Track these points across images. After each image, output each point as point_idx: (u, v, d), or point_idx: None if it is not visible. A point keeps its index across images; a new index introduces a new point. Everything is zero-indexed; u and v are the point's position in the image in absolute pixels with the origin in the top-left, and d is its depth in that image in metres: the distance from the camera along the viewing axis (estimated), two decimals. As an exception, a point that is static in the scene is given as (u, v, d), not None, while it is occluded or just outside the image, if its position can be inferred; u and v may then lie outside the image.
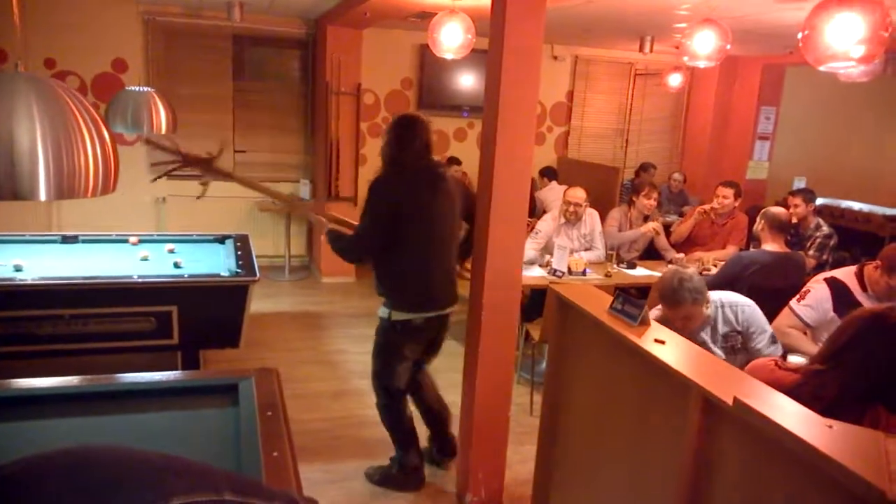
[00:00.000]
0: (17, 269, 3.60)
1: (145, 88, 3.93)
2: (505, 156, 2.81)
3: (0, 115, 1.41)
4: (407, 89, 7.14)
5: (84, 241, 4.38)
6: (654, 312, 2.71)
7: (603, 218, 5.01)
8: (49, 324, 3.40)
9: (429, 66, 7.05)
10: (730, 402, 1.58)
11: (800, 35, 2.36)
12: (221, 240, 4.59)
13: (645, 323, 2.14)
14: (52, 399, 2.06)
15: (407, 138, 2.95)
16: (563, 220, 4.77)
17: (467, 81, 7.26)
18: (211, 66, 6.50)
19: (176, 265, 3.89)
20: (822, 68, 2.33)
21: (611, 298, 2.35)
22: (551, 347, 2.70)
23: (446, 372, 4.59)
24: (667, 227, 5.40)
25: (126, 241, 4.41)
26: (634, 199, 5.12)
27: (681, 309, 2.66)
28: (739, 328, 2.83)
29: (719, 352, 2.80)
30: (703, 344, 2.73)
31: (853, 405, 1.76)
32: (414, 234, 2.93)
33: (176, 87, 6.21)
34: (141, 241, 4.41)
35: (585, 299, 2.44)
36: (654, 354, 1.91)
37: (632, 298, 2.23)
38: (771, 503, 1.55)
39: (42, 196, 1.43)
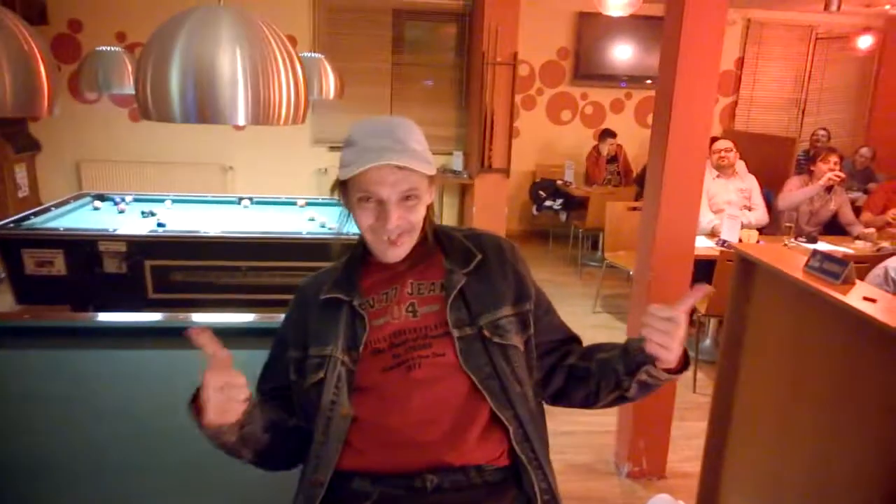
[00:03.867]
0: (160, 224, 3.81)
1: (316, 55, 4.10)
2: (681, 126, 2.66)
3: (204, 43, 1.48)
4: (563, 59, 6.97)
5: (257, 203, 4.67)
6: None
7: (777, 191, 4.64)
8: (228, 274, 3.65)
9: (586, 35, 6.84)
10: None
11: None
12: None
13: (849, 281, 1.91)
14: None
15: None
16: (715, 174, 4.55)
17: (625, 52, 6.98)
18: (372, 40, 6.69)
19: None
20: None
21: (802, 258, 2.13)
22: (729, 316, 2.50)
23: (601, 344, 4.49)
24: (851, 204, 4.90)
25: (294, 204, 4.65)
26: (812, 168, 4.66)
27: None
28: None
29: None
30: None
31: None
32: None
33: (339, 62, 6.42)
34: (307, 204, 4.63)
35: (773, 258, 2.23)
36: (866, 313, 1.69)
37: (831, 256, 2.00)
38: None
39: (240, 120, 1.49)
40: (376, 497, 1.17)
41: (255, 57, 1.52)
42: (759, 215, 4.58)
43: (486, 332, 1.24)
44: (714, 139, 4.77)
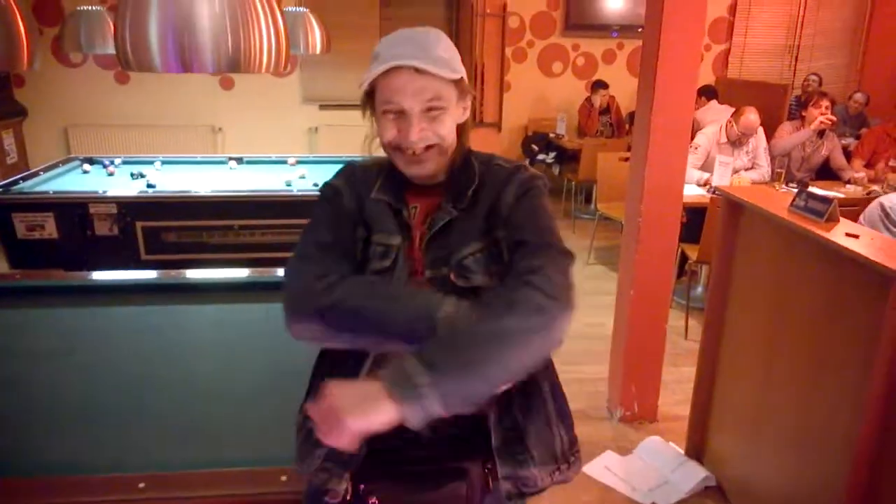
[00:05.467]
0: (149, 185, 3.81)
1: (301, 9, 4.03)
2: (668, 74, 2.64)
3: (182, -9, 1.47)
4: (553, 10, 6.85)
5: (248, 163, 4.64)
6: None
7: (770, 137, 4.60)
8: (220, 234, 3.66)
9: (577, -16, 6.72)
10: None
11: None
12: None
13: (833, 219, 1.93)
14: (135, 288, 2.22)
15: None
16: (724, 139, 4.44)
17: (616, 1, 6.87)
18: (358, -6, 6.57)
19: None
20: None
21: (788, 199, 2.14)
22: (716, 258, 2.53)
23: (595, 294, 4.52)
24: (843, 150, 4.89)
25: (285, 163, 4.63)
26: (804, 113, 4.64)
27: None
28: None
29: None
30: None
31: None
32: None
33: (325, 17, 6.32)
34: (298, 162, 4.61)
35: (760, 199, 2.25)
36: (848, 248, 1.72)
37: (816, 194, 2.02)
38: None
39: (221, 67, 1.48)
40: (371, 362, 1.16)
41: (233, 3, 1.50)
42: (763, 173, 4.44)
43: (452, 275, 1.18)
44: (735, 108, 4.49)
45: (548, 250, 1.13)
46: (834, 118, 4.57)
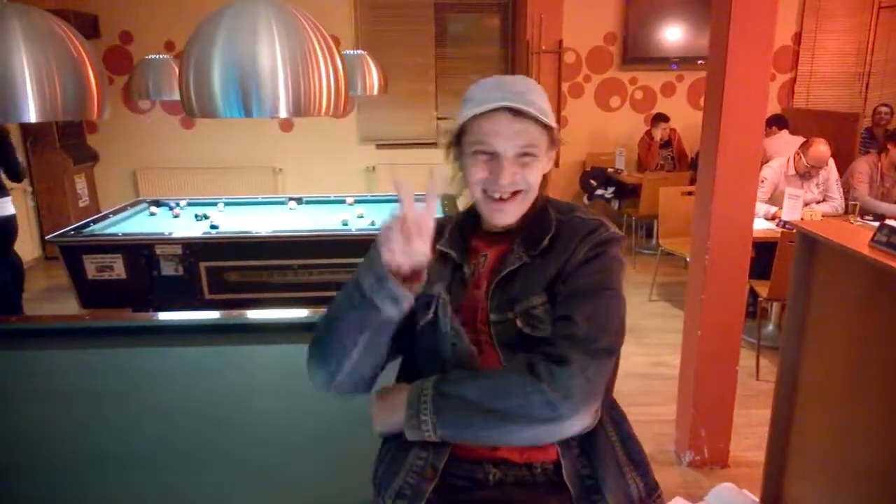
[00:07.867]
0: (213, 226, 3.93)
1: (358, 52, 4.11)
2: (734, 106, 2.56)
3: (244, 37, 1.49)
4: (610, 44, 6.82)
5: (307, 202, 4.73)
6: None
7: (842, 171, 4.41)
8: (280, 273, 3.71)
9: (633, 18, 6.69)
10: None
11: None
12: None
13: (922, 256, 1.80)
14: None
15: None
16: (792, 172, 4.27)
17: (675, 32, 6.80)
18: (414, 35, 6.69)
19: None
20: None
21: (868, 234, 2.02)
22: (791, 299, 2.40)
23: (658, 332, 4.38)
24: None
25: (343, 202, 4.69)
26: (890, 146, 4.41)
27: None
28: None
29: None
30: None
31: None
32: None
33: (382, 58, 6.46)
34: (356, 202, 4.66)
35: (836, 234, 2.13)
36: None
37: (902, 229, 1.89)
38: None
39: (282, 112, 1.49)
40: (437, 484, 1.15)
41: (293, 48, 1.52)
42: (836, 206, 4.26)
43: (519, 323, 1.17)
44: (802, 139, 4.33)
45: (587, 345, 1.10)
46: None
